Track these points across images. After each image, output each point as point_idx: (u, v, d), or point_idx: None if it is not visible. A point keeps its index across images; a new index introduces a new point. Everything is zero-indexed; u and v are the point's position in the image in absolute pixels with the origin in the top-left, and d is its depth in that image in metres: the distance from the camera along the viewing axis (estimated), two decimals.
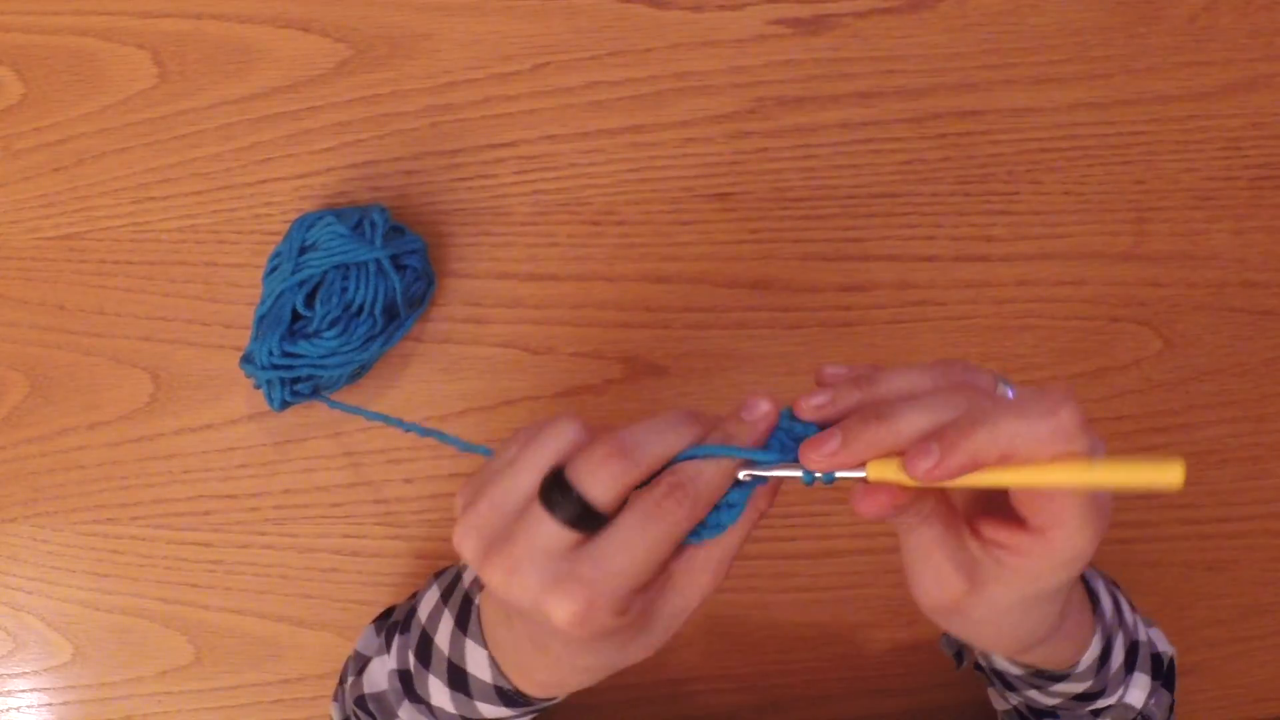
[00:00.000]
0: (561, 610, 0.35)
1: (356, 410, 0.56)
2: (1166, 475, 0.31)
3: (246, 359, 0.57)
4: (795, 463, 0.37)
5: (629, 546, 0.35)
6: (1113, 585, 0.53)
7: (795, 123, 0.64)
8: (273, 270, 0.59)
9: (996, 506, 0.38)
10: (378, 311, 0.57)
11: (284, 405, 0.58)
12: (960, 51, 0.65)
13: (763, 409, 0.38)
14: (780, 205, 0.64)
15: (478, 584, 0.47)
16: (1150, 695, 0.51)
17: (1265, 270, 0.66)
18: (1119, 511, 0.66)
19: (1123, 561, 0.66)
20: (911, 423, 0.35)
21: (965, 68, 0.65)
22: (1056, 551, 0.36)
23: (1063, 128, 0.65)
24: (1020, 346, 0.65)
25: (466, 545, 0.37)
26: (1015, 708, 0.54)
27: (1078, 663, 0.47)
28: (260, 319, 0.57)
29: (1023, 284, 0.65)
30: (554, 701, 0.46)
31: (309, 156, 0.63)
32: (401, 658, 0.49)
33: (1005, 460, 0.34)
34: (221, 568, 0.63)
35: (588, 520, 0.36)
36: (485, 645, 0.45)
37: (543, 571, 0.35)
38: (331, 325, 0.57)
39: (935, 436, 0.34)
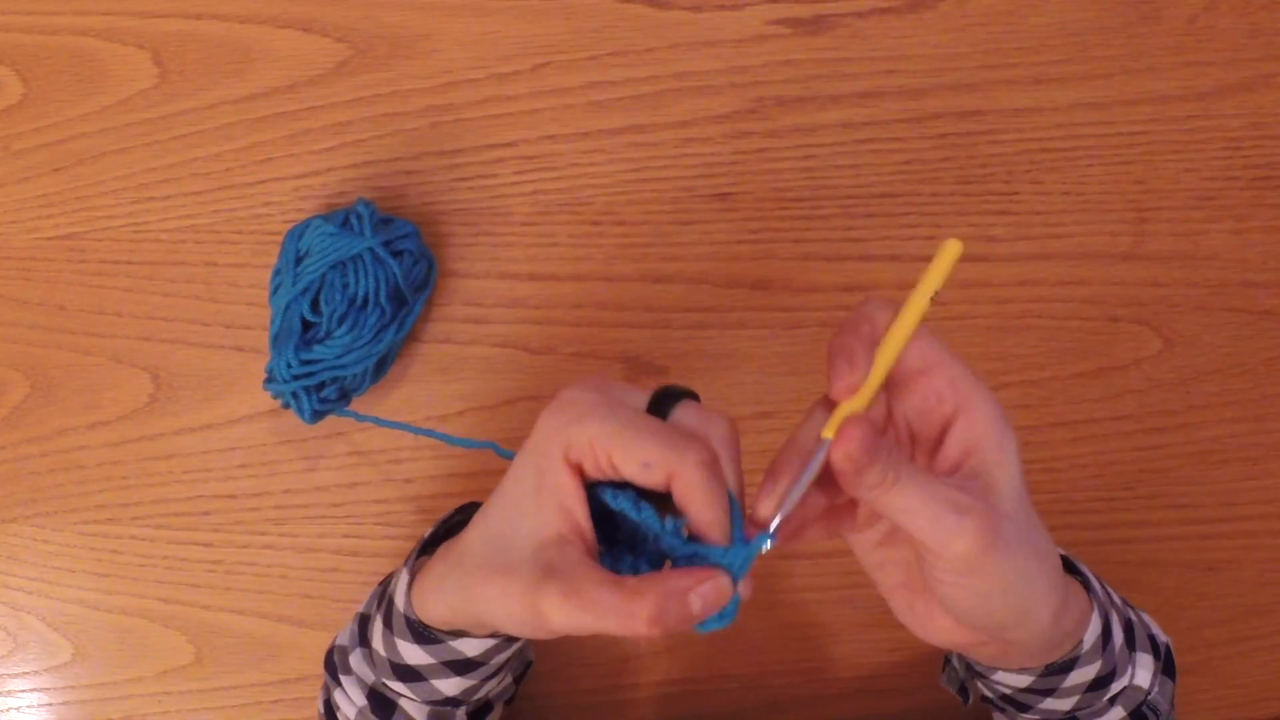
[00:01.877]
0: (561, 396, 0.40)
1: (402, 426, 0.55)
2: (950, 251, 0.39)
3: (269, 379, 0.58)
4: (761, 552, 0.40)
5: (638, 422, 0.38)
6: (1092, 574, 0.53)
7: (795, 123, 0.64)
8: (276, 289, 0.59)
9: (938, 455, 0.42)
10: (383, 299, 0.57)
11: (316, 416, 0.58)
12: (960, 51, 0.65)
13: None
14: (780, 205, 0.64)
15: (443, 521, 0.48)
16: (1155, 677, 0.51)
17: (1265, 270, 0.66)
18: (1118, 511, 0.66)
19: (1122, 561, 0.66)
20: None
21: (965, 68, 0.65)
22: (983, 410, 0.40)
23: (1063, 128, 0.65)
24: (1020, 346, 0.65)
25: (574, 385, 0.40)
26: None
27: (1082, 641, 0.47)
28: (274, 338, 0.58)
29: (1023, 284, 0.65)
30: (460, 650, 0.45)
31: (309, 156, 0.63)
32: (366, 604, 0.50)
33: (879, 337, 0.40)
34: (221, 568, 0.63)
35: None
36: (410, 570, 0.45)
37: (588, 388, 0.40)
38: (340, 322, 0.57)
39: (832, 358, 0.40)
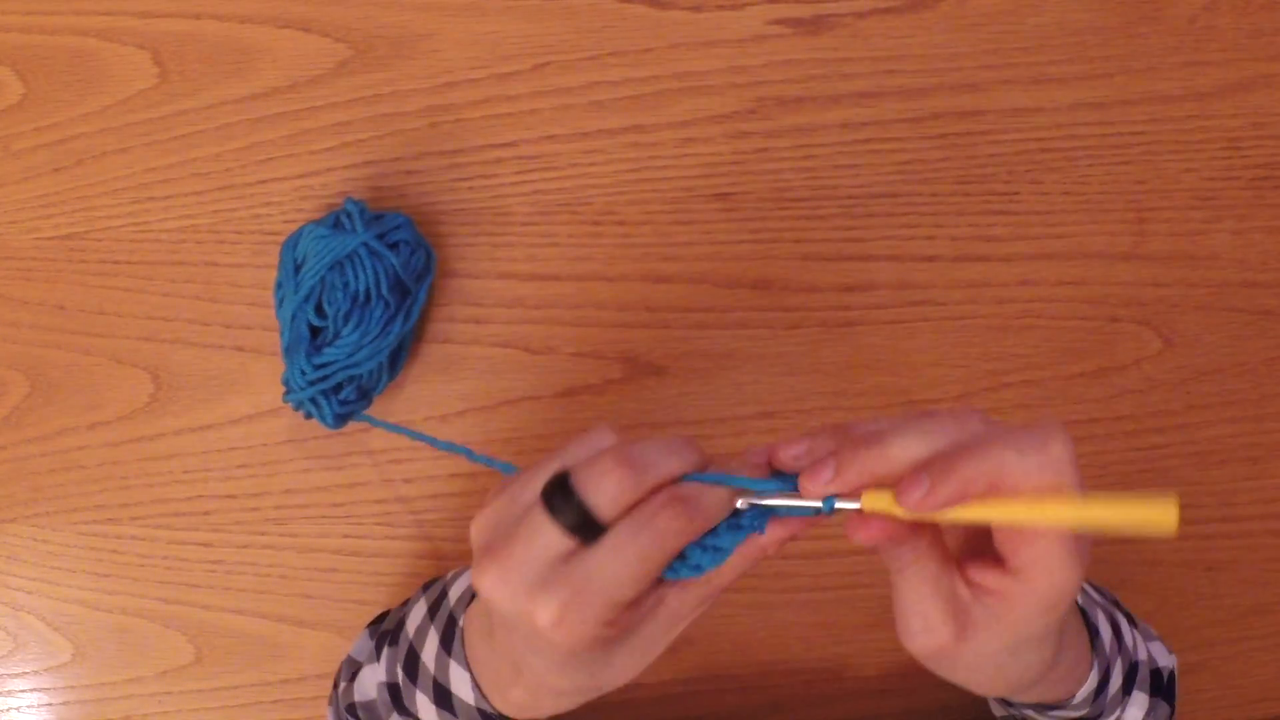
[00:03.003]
0: (545, 612, 0.35)
1: (425, 438, 0.54)
2: (1161, 516, 0.31)
3: (287, 391, 0.58)
4: (793, 492, 0.37)
5: (620, 555, 0.35)
6: (1111, 605, 0.53)
7: (795, 123, 0.64)
8: (280, 301, 0.59)
9: (983, 550, 0.38)
10: (385, 292, 0.58)
11: (339, 420, 0.58)
12: (960, 51, 0.65)
13: (764, 456, 0.39)
14: (780, 205, 0.64)
15: (462, 603, 0.47)
16: (1149, 712, 0.51)
17: (1265, 270, 0.66)
18: None
19: (1122, 561, 0.66)
20: (904, 448, 0.35)
21: (965, 68, 0.65)
22: (1038, 593, 0.36)
23: (1063, 128, 0.65)
24: (1020, 346, 0.65)
25: (475, 537, 0.37)
26: (1011, 716, 0.54)
27: (1074, 695, 0.46)
28: (286, 350, 0.58)
29: (1023, 284, 0.65)
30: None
31: (309, 156, 0.63)
32: (390, 670, 0.49)
33: (994, 490, 0.34)
34: (221, 568, 0.63)
35: (586, 529, 0.35)
36: (468, 668, 0.44)
37: (532, 573, 0.35)
38: (346, 321, 0.57)
39: (926, 466, 0.35)
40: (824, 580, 0.65)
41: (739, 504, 0.38)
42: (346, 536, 0.63)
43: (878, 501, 0.36)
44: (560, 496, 0.36)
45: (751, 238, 0.64)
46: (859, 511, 0.36)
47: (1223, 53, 0.66)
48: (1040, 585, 0.36)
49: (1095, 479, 0.65)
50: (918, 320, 0.64)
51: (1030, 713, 0.50)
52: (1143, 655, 0.52)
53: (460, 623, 0.46)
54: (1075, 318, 0.65)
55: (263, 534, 0.63)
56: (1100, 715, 0.49)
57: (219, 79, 0.63)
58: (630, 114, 0.64)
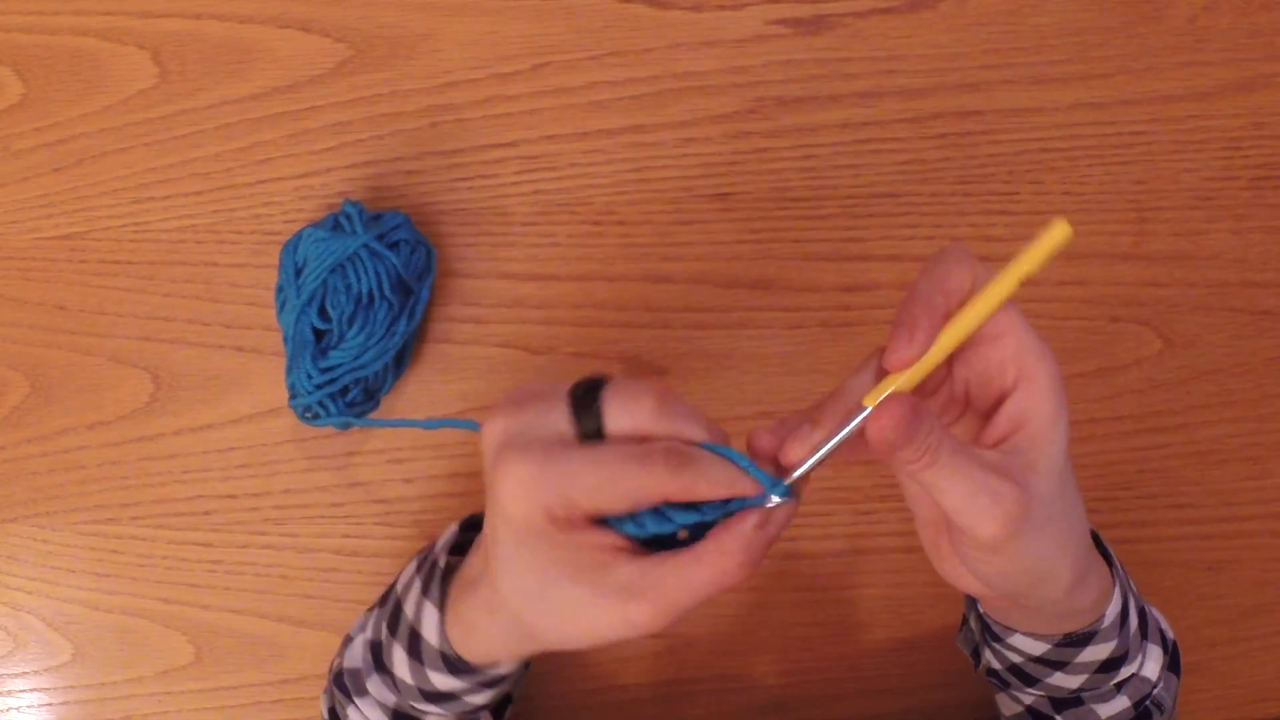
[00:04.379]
0: (511, 468, 0.36)
1: (428, 424, 0.54)
2: (1058, 233, 0.36)
3: (293, 396, 0.58)
4: (784, 497, 0.38)
5: (602, 467, 0.36)
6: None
7: (795, 123, 0.64)
8: (282, 306, 0.59)
9: (983, 425, 0.41)
10: (388, 292, 0.58)
11: (347, 424, 0.58)
12: (960, 51, 0.65)
13: (766, 443, 0.39)
14: (780, 205, 0.64)
15: (445, 549, 0.47)
16: (1162, 670, 0.51)
17: (1265, 270, 0.66)
18: (1118, 511, 0.66)
19: (1123, 561, 0.65)
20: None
21: (965, 68, 0.65)
22: (1041, 384, 0.39)
23: (1063, 128, 0.65)
24: None
25: (501, 400, 0.38)
26: (1029, 708, 0.53)
27: (1103, 616, 0.47)
28: (291, 355, 0.58)
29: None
30: (496, 672, 0.45)
31: (309, 156, 0.63)
32: (375, 629, 0.49)
33: (948, 313, 0.38)
34: (221, 568, 0.63)
35: (593, 436, 0.37)
36: (439, 607, 0.45)
37: (522, 435, 0.37)
38: (350, 323, 0.57)
39: (895, 325, 0.38)
40: (824, 580, 0.65)
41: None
42: (346, 536, 0.63)
43: (879, 389, 0.38)
44: (587, 397, 0.37)
45: (751, 238, 0.64)
46: (871, 412, 0.37)
47: (1223, 53, 0.66)
48: (1038, 373, 0.39)
49: (1095, 479, 0.65)
50: None
51: (1058, 676, 0.49)
52: (1147, 609, 0.52)
53: (440, 564, 0.46)
54: (1075, 318, 0.65)
55: (263, 534, 0.63)
56: (1126, 655, 0.49)
57: (219, 79, 0.63)
58: (630, 114, 0.64)
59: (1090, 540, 0.43)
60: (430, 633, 0.45)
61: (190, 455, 0.63)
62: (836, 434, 0.38)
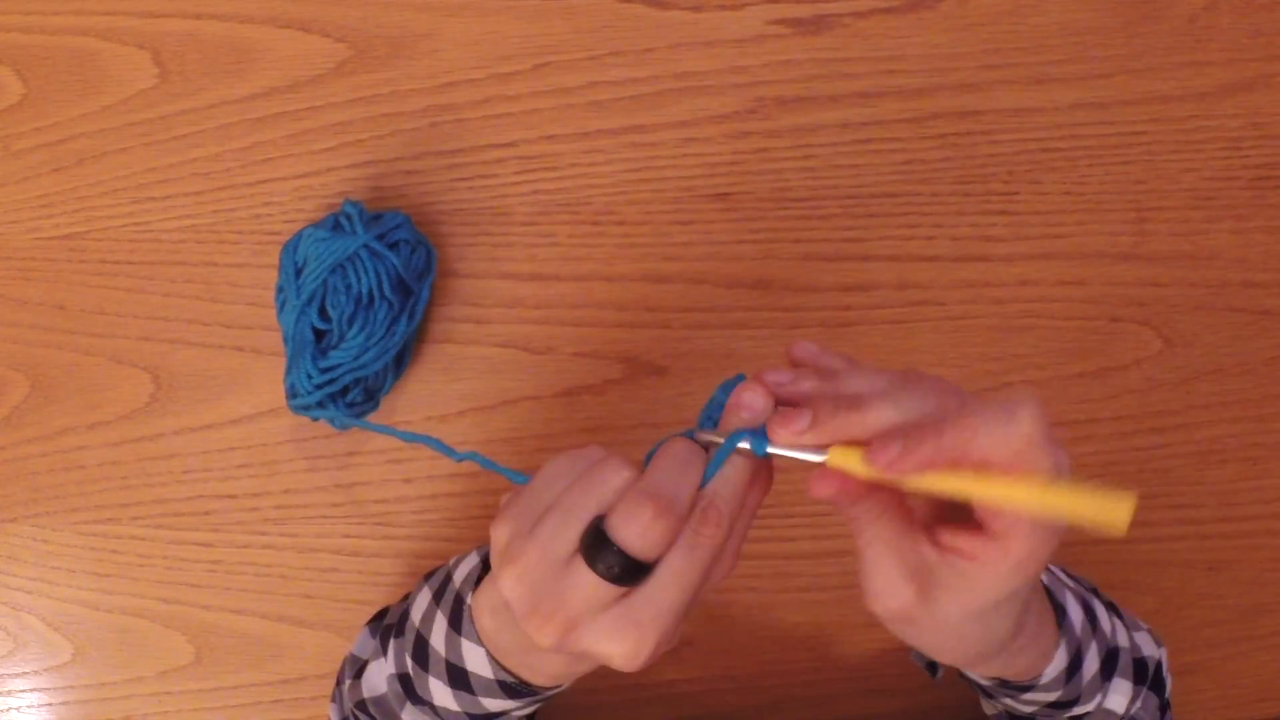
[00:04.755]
0: (619, 655, 0.36)
1: (430, 441, 0.52)
2: (1114, 513, 0.31)
3: (293, 395, 0.58)
4: (760, 435, 0.38)
5: (681, 581, 0.36)
6: (1087, 592, 0.53)
7: (795, 123, 0.64)
8: (282, 306, 0.59)
9: (956, 514, 0.38)
10: (388, 292, 0.58)
11: (346, 425, 0.58)
12: (960, 51, 0.65)
13: (757, 404, 0.39)
14: (780, 205, 0.64)
15: (469, 583, 0.47)
16: (1133, 700, 0.50)
17: (1265, 270, 0.66)
18: None
19: (1122, 561, 0.66)
20: (880, 415, 0.36)
21: (965, 68, 0.65)
22: (1012, 557, 0.36)
23: (1063, 128, 0.65)
24: (1020, 346, 0.65)
25: (515, 599, 0.38)
26: (999, 714, 0.54)
27: (1041, 673, 0.46)
28: (291, 355, 0.58)
29: (1023, 284, 0.65)
30: (561, 688, 0.46)
31: (309, 156, 0.63)
32: (399, 661, 0.49)
33: (963, 460, 0.34)
34: (221, 568, 0.63)
35: (632, 573, 0.36)
36: (481, 644, 0.45)
37: (599, 624, 0.37)
38: (351, 323, 0.57)
39: (900, 432, 0.35)
40: (824, 580, 0.65)
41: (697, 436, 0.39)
42: (346, 536, 0.63)
43: (844, 459, 0.36)
44: (602, 549, 0.36)
45: (751, 238, 0.64)
46: (822, 465, 0.37)
47: (1223, 53, 0.66)
48: (1015, 548, 0.36)
49: (1095, 479, 0.65)
50: (918, 320, 0.64)
51: (1009, 701, 0.50)
52: (1124, 642, 0.52)
53: (468, 601, 0.46)
54: (1075, 318, 0.65)
55: (263, 534, 0.63)
56: (1078, 699, 0.49)
57: (219, 79, 0.63)
58: (630, 114, 0.64)
59: (1015, 627, 0.41)
60: (481, 668, 0.45)
61: (190, 455, 0.63)
62: (803, 453, 0.37)
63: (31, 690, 0.63)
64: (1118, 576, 0.65)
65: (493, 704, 0.46)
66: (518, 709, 0.47)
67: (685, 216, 0.64)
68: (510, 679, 0.44)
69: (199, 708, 0.63)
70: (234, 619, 0.63)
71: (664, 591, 0.36)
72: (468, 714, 0.46)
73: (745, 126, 0.64)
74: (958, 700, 0.65)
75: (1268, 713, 0.68)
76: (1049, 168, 0.65)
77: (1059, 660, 0.47)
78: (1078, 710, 0.49)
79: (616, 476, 0.38)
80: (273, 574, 0.63)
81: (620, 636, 0.36)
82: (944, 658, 0.43)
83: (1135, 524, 0.68)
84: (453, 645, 0.46)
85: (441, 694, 0.46)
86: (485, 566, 0.47)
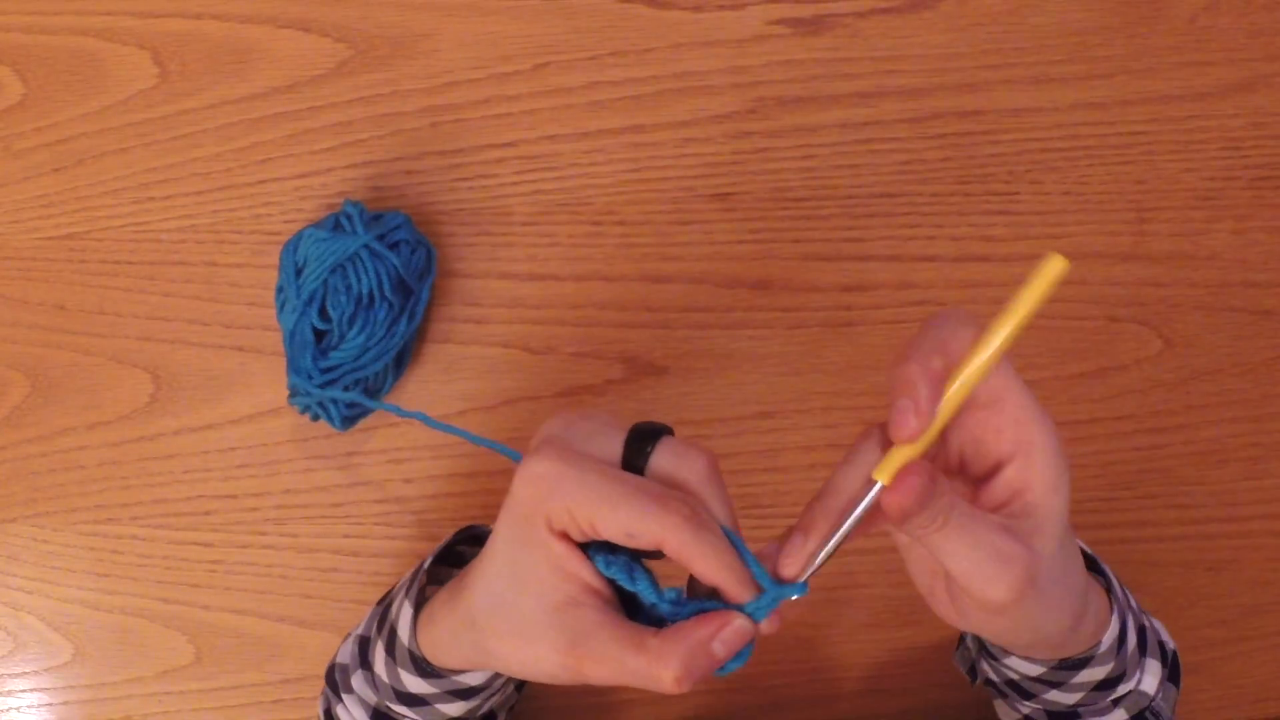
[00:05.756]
0: (531, 465, 0.37)
1: (447, 426, 0.52)
2: (1052, 268, 0.35)
3: (293, 394, 0.58)
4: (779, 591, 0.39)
5: (618, 483, 0.36)
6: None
7: (795, 123, 0.64)
8: (282, 306, 0.59)
9: (986, 489, 0.40)
10: (388, 293, 0.58)
11: (347, 422, 0.59)
12: (960, 51, 0.65)
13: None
14: (780, 205, 0.64)
15: (435, 551, 0.47)
16: (1161, 684, 0.51)
17: (1265, 270, 0.66)
18: (1118, 511, 0.66)
19: (1123, 561, 0.66)
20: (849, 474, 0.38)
21: (965, 68, 0.65)
22: (1042, 451, 0.38)
23: (1063, 128, 0.65)
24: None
25: (548, 424, 0.39)
26: (1027, 716, 0.53)
27: (1100, 642, 0.47)
28: (291, 355, 0.58)
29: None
30: (463, 680, 0.45)
31: (309, 156, 0.63)
32: (367, 625, 0.49)
33: (950, 372, 0.37)
34: (221, 568, 0.63)
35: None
36: (416, 606, 0.44)
37: (561, 454, 0.37)
38: (351, 324, 0.57)
39: (895, 394, 0.36)
40: (824, 580, 0.65)
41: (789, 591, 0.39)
42: (346, 536, 0.63)
43: (889, 465, 0.37)
44: (645, 438, 0.38)
45: (751, 238, 0.64)
46: (888, 490, 0.37)
47: (1223, 53, 0.66)
48: (1037, 441, 0.38)
49: (1095, 479, 0.65)
50: (918, 320, 0.64)
51: (1054, 693, 0.50)
52: (1146, 623, 0.52)
53: (425, 564, 0.46)
54: (1075, 318, 0.65)
55: (263, 534, 0.63)
56: (1123, 674, 0.49)
57: (219, 79, 0.63)
58: (630, 114, 0.64)
59: (1085, 583, 0.43)
60: (404, 630, 0.45)
61: (190, 455, 0.63)
62: (842, 524, 0.38)
63: (31, 690, 0.63)
64: (1118, 576, 0.65)
65: (409, 680, 0.45)
66: (433, 696, 0.46)
67: (685, 216, 0.64)
68: (419, 652, 0.44)
69: (199, 708, 0.63)
70: (234, 619, 0.63)
71: (608, 481, 0.36)
72: (394, 689, 0.46)
73: (745, 126, 0.64)
74: (958, 700, 0.65)
75: (1268, 713, 0.68)
76: (1049, 168, 0.65)
77: (1113, 627, 0.47)
78: (1121, 690, 0.49)
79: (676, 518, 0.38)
80: (273, 574, 0.63)
81: (544, 468, 0.36)
82: (1037, 645, 0.43)
83: (1135, 524, 0.69)
84: (399, 607, 0.46)
85: (380, 660, 0.46)
86: (455, 544, 0.48)
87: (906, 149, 0.64)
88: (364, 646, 0.49)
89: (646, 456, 0.38)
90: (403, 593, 0.46)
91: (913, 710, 0.66)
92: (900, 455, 0.37)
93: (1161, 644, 0.53)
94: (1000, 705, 0.56)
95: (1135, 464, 0.66)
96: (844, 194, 0.64)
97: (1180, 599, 0.66)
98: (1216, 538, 0.66)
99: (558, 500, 0.36)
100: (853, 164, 0.64)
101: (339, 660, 0.51)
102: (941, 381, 0.37)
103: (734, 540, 0.37)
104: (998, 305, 0.40)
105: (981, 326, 0.37)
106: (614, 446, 0.38)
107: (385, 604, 0.49)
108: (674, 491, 0.37)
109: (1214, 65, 0.66)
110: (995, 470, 0.39)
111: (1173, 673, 0.53)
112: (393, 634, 0.45)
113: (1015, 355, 0.63)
